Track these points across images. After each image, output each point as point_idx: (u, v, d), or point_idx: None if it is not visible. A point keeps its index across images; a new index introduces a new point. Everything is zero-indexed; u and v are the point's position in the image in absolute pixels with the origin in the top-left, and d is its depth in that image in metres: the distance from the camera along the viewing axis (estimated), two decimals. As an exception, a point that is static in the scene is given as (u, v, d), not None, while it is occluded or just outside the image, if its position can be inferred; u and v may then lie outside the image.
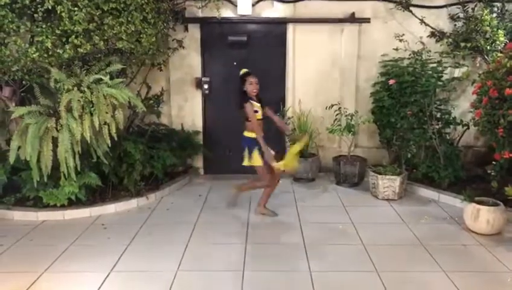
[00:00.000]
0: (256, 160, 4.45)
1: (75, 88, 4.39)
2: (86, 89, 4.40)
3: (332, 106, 5.88)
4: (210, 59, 6.25)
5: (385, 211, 4.98)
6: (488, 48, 5.62)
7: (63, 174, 4.49)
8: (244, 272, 3.55)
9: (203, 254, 3.91)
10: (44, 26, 4.28)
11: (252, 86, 4.46)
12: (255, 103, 4.47)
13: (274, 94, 6.27)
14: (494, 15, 5.68)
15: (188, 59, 6.17)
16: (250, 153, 4.48)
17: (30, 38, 4.47)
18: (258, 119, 4.47)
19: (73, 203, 4.81)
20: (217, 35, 6.14)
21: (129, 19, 4.57)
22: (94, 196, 5.02)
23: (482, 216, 4.20)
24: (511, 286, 3.36)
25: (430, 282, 3.41)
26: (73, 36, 4.35)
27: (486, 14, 5.53)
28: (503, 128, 4.37)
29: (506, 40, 5.57)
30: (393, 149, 6.00)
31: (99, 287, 3.36)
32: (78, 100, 4.32)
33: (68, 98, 4.31)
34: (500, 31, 5.53)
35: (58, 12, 4.25)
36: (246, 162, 4.53)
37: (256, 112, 4.45)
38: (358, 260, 3.79)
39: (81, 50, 4.40)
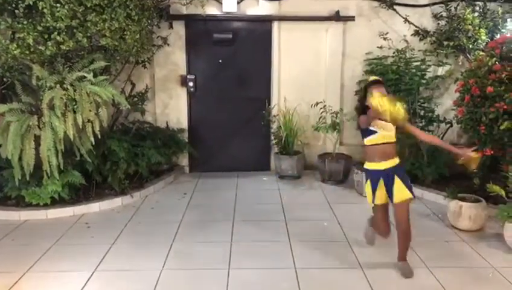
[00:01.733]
0: (369, 196, 3.58)
1: (58, 86, 4.33)
2: (69, 87, 4.35)
3: (317, 103, 5.90)
4: (195, 57, 6.22)
5: (369, 208, 5.00)
6: (471, 46, 5.69)
7: (46, 172, 4.42)
8: (229, 270, 3.56)
9: (188, 252, 3.90)
10: (25, 22, 4.20)
11: None
12: (378, 121, 3.34)
13: (259, 92, 6.29)
14: (476, 14, 5.75)
15: (173, 56, 6.13)
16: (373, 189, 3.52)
17: (11, 35, 4.38)
18: (379, 144, 3.41)
19: (57, 202, 4.76)
20: (202, 33, 6.10)
21: (112, 15, 4.52)
22: (78, 195, 4.96)
23: (465, 213, 4.26)
24: (492, 281, 3.42)
25: (414, 277, 3.44)
26: (56, 33, 4.29)
27: (468, 13, 5.60)
28: (485, 126, 4.45)
29: (487, 39, 5.64)
30: (377, 147, 6.04)
31: (83, 287, 3.33)
32: (61, 98, 4.26)
33: (51, 95, 4.25)
34: (482, 30, 5.61)
35: (40, 8, 4.18)
36: (370, 202, 3.63)
37: (373, 132, 3.40)
38: (343, 256, 3.82)
39: (64, 47, 4.33)
